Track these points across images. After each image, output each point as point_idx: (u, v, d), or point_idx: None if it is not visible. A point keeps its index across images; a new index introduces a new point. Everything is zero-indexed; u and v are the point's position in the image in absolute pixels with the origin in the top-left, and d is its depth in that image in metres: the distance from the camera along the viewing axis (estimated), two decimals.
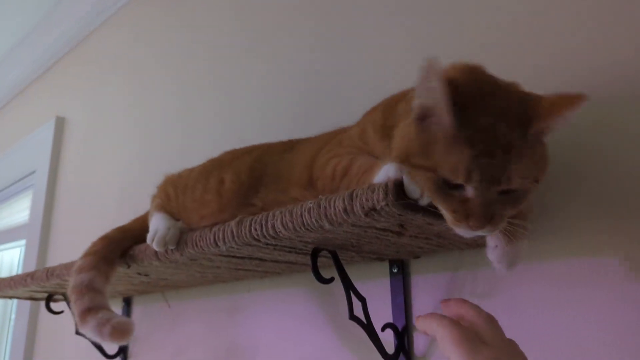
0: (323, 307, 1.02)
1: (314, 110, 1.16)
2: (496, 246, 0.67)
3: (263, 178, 0.84)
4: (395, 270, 0.92)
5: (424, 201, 0.60)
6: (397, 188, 0.60)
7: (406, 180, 0.60)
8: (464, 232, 0.59)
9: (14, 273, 2.51)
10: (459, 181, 0.56)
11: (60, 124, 2.13)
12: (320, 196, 0.68)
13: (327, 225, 0.67)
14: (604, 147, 0.74)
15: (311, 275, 1.01)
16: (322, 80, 1.17)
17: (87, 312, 0.89)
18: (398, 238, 0.75)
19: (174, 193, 0.93)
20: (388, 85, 1.03)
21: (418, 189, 0.59)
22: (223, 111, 1.41)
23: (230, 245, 0.78)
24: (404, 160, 0.60)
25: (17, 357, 1.90)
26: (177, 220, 0.91)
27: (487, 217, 0.56)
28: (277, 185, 0.82)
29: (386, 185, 0.60)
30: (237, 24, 1.43)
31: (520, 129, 0.56)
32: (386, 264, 0.93)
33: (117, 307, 1.51)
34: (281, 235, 0.72)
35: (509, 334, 0.75)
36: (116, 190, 1.72)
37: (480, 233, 0.58)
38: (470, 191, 0.56)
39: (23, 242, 2.27)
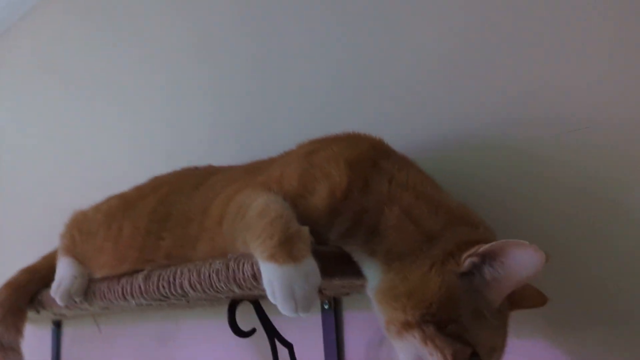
0: (250, 349, 0.97)
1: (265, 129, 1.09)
2: None
3: (167, 221, 0.74)
4: (326, 307, 0.87)
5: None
6: None
7: None
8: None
9: None
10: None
11: None
12: (229, 255, 0.62)
13: (236, 290, 0.61)
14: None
15: (244, 305, 0.96)
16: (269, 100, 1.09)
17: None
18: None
19: (79, 237, 0.85)
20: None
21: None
22: (150, 120, 1.32)
23: (139, 300, 0.72)
24: (433, 321, 0.52)
25: None
26: (85, 266, 0.83)
27: None
28: (184, 229, 0.72)
29: None
30: (169, 22, 1.32)
31: None
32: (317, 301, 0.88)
33: (46, 331, 1.42)
34: (190, 294, 0.66)
35: None
36: (44, 193, 1.61)
37: None
38: None
39: None
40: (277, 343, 0.78)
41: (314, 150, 0.66)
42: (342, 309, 0.87)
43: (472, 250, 0.52)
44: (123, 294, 0.73)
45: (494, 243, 0.51)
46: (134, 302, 0.72)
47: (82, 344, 1.34)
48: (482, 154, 0.75)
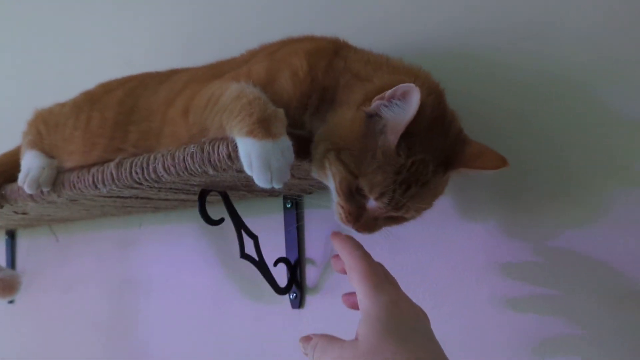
0: (218, 242, 1.01)
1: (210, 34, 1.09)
2: None
3: (133, 114, 0.76)
4: (289, 206, 0.92)
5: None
6: None
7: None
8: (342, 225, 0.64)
9: None
10: (371, 196, 0.60)
11: None
12: (203, 139, 0.65)
13: (211, 172, 0.64)
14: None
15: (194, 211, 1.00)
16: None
17: None
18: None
19: (45, 130, 0.85)
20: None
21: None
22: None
23: (110, 187, 0.74)
24: (335, 149, 0.60)
25: None
26: (52, 158, 0.84)
27: (371, 228, 0.64)
28: (148, 123, 0.74)
29: None
30: None
31: (442, 170, 0.61)
32: (280, 200, 0.93)
33: None
34: (164, 179, 0.69)
35: (394, 266, 0.79)
36: None
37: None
38: (372, 205, 0.61)
39: None
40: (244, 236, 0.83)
41: (277, 49, 0.72)
42: (304, 207, 0.92)
43: (380, 94, 0.57)
44: (94, 182, 0.74)
45: (395, 87, 0.56)
46: (105, 189, 0.74)
47: (38, 253, 1.35)
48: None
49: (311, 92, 0.64)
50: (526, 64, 0.74)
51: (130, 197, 0.84)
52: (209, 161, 0.63)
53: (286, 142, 0.57)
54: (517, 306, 0.72)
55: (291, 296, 0.90)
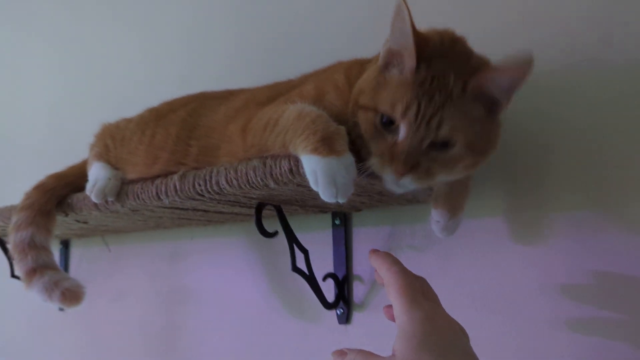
0: (266, 256, 1.04)
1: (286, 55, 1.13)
2: (438, 221, 0.73)
3: (194, 131, 0.81)
4: (337, 223, 0.94)
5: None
6: None
7: None
8: (390, 180, 0.62)
9: None
10: (396, 115, 0.59)
11: None
12: (265, 155, 0.68)
13: (272, 185, 0.67)
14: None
15: (254, 226, 1.03)
16: (294, 23, 1.13)
17: (32, 273, 0.87)
18: None
19: (112, 143, 0.90)
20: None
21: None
22: (149, 45, 1.35)
23: (173, 199, 0.78)
24: (355, 102, 0.64)
25: None
26: (117, 170, 0.88)
27: (409, 163, 0.59)
28: (208, 139, 0.79)
29: None
30: None
31: (463, 83, 0.60)
32: (329, 216, 0.95)
33: (54, 250, 1.47)
34: (225, 191, 0.72)
35: (443, 288, 0.80)
36: (44, 124, 1.63)
37: (404, 182, 0.61)
38: (402, 132, 0.59)
39: None
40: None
41: (324, 70, 0.78)
42: (352, 225, 0.94)
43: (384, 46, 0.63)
44: (157, 193, 0.78)
45: None
46: (167, 201, 0.78)
47: (90, 263, 1.40)
48: None
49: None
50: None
51: (188, 209, 0.88)
52: (271, 175, 0.66)
53: (349, 158, 0.60)
54: (577, 328, 0.72)
55: (338, 312, 0.92)
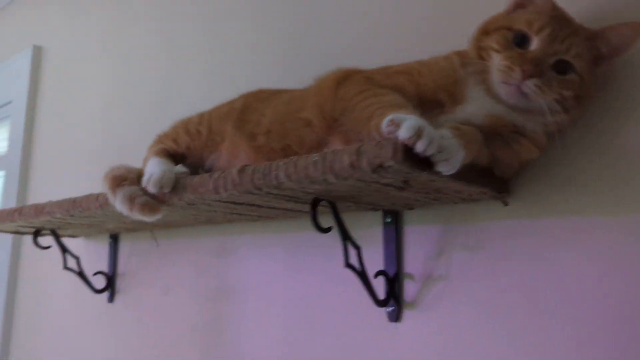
0: (315, 253, 1.05)
1: (305, 58, 1.15)
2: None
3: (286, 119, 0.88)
4: (388, 220, 0.94)
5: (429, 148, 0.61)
6: (405, 146, 0.61)
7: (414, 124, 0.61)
8: (514, 82, 0.68)
9: None
10: (531, 31, 0.69)
11: (37, 53, 2.04)
12: (325, 149, 0.69)
13: (332, 179, 0.68)
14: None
15: (304, 222, 1.04)
16: (314, 27, 1.14)
17: (120, 180, 0.88)
18: (399, 192, 0.76)
19: (185, 137, 0.94)
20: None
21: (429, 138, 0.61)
22: (212, 47, 1.37)
23: (231, 192, 0.79)
24: (483, 32, 0.74)
25: None
26: (174, 164, 0.91)
27: (538, 68, 0.67)
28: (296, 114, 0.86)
29: (395, 142, 0.61)
30: None
31: (583, 30, 0.71)
32: (379, 214, 0.96)
33: (103, 243, 1.52)
34: (284, 186, 0.73)
35: (496, 289, 0.80)
36: (99, 123, 1.69)
37: (528, 85, 0.67)
38: (535, 44, 0.69)
39: (0, 173, 2.23)
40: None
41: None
42: (403, 223, 0.94)
43: None
44: (215, 187, 0.80)
45: None
46: (225, 194, 0.80)
47: (139, 257, 1.44)
48: None
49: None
50: None
51: (243, 204, 0.89)
52: (331, 169, 0.67)
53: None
54: None
55: (388, 309, 0.92)
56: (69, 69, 1.89)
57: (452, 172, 0.64)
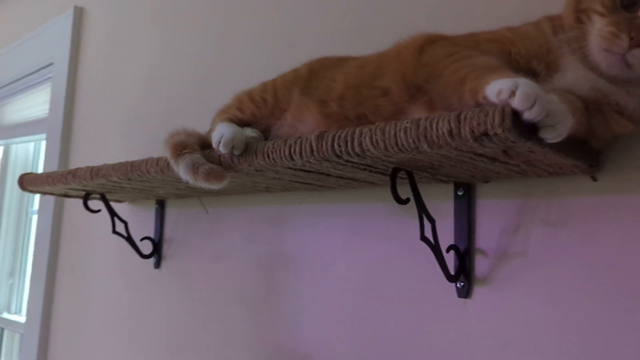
0: (376, 224, 1.02)
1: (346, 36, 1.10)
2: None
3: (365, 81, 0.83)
4: (460, 193, 0.91)
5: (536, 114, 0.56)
6: (515, 113, 0.56)
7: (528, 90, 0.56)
8: (613, 50, 0.63)
9: (29, 167, 2.49)
10: None
11: (78, 15, 2.01)
12: (417, 116, 0.65)
13: (425, 147, 0.64)
14: None
15: (365, 192, 1.01)
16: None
17: (181, 147, 0.86)
18: (489, 164, 0.72)
19: (250, 105, 0.91)
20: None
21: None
22: (264, 15, 1.33)
23: (307, 160, 0.76)
24: (576, 6, 0.67)
25: (41, 253, 1.93)
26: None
27: None
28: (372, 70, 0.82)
29: (503, 108, 0.57)
30: None
31: None
32: (451, 186, 0.92)
33: (149, 209, 1.51)
34: (368, 153, 0.69)
35: (580, 268, 0.76)
36: (143, 87, 1.66)
37: (635, 55, 0.62)
38: None
39: (40, 136, 2.23)
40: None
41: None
42: (476, 196, 0.90)
43: None
44: (290, 153, 0.77)
45: None
46: (300, 161, 0.76)
47: (186, 224, 1.42)
48: None
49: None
50: None
51: (311, 172, 0.86)
52: (425, 137, 0.63)
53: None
54: None
55: (459, 285, 0.89)
56: (112, 31, 1.86)
57: (558, 139, 0.60)
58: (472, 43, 0.74)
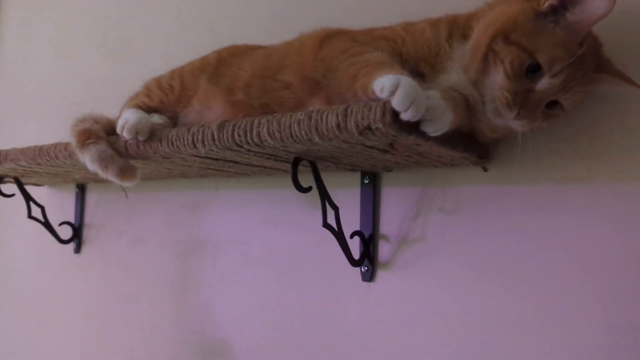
0: (290, 211, 1.04)
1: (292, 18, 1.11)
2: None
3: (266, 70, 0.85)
4: (366, 182, 0.94)
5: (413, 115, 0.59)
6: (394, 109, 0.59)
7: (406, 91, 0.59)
8: (505, 116, 0.67)
9: None
10: (548, 73, 0.64)
11: None
12: (310, 108, 0.67)
13: (316, 139, 0.66)
14: None
15: (280, 179, 1.03)
16: None
17: (86, 135, 0.85)
18: (382, 155, 0.75)
19: (158, 92, 0.91)
20: None
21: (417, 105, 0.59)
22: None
23: (209, 148, 0.77)
24: (499, 34, 0.66)
25: None
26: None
27: (535, 114, 0.67)
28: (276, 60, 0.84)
29: (384, 104, 0.60)
30: None
31: (596, 69, 0.68)
32: (358, 175, 0.95)
33: (70, 193, 1.48)
34: (266, 143, 0.71)
35: (472, 253, 0.80)
36: (57, 70, 1.60)
37: (517, 124, 0.68)
38: (544, 85, 0.65)
39: None
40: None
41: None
42: (381, 184, 0.94)
43: None
44: (193, 141, 0.77)
45: None
46: (203, 150, 0.77)
47: (107, 208, 1.40)
48: None
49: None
50: None
51: (219, 160, 0.87)
52: (316, 129, 0.65)
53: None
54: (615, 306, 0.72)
55: (363, 269, 0.93)
56: (25, 12, 1.77)
57: (438, 133, 0.63)
58: (368, 39, 0.76)
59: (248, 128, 0.72)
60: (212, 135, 0.75)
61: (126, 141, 0.86)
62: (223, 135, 0.74)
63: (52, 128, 1.56)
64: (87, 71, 1.53)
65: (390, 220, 0.92)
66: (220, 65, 0.90)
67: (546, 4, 0.66)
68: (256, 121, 0.71)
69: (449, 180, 0.87)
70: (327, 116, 0.64)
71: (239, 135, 0.72)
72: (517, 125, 0.69)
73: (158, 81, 0.94)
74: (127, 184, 0.86)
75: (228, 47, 0.95)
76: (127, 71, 1.41)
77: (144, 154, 0.85)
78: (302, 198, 0.98)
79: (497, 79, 0.67)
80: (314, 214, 1.00)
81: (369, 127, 0.61)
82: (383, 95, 0.60)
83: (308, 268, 1.00)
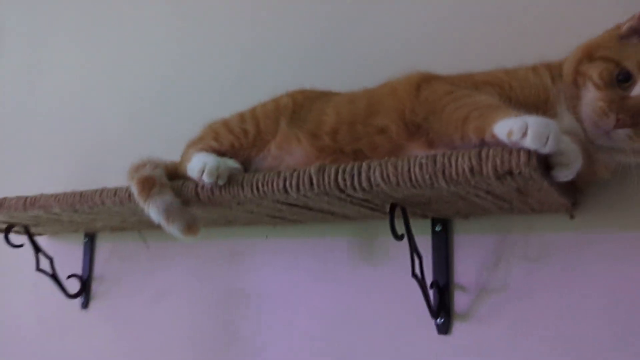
0: (341, 260, 0.99)
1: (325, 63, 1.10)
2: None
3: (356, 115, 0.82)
4: (438, 229, 0.91)
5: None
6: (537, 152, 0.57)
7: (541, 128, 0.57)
8: (604, 127, 0.65)
9: None
10: (638, 73, 0.64)
11: None
12: (434, 152, 0.64)
13: (442, 184, 0.63)
14: None
15: (329, 227, 0.98)
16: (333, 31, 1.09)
17: (151, 184, 0.80)
18: (484, 200, 0.73)
19: (227, 136, 0.86)
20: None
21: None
22: (225, 51, 1.28)
23: (304, 193, 0.72)
24: (586, 55, 0.68)
25: None
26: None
27: (634, 119, 0.64)
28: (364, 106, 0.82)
29: (528, 150, 0.58)
30: None
31: None
32: (428, 222, 0.92)
33: (77, 243, 1.36)
34: (377, 188, 0.67)
35: (558, 302, 0.77)
36: (67, 115, 1.51)
37: (619, 134, 0.65)
38: (638, 90, 0.64)
39: None
40: None
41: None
42: (453, 231, 0.91)
43: (630, 18, 0.68)
44: (285, 186, 0.72)
45: None
46: (295, 195, 0.72)
47: (121, 259, 1.30)
48: None
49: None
50: None
51: (296, 206, 0.82)
52: (443, 173, 0.62)
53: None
54: None
55: (438, 321, 0.88)
56: (32, 52, 1.68)
57: (568, 178, 0.61)
58: (470, 84, 0.75)
59: (355, 172, 0.68)
60: (310, 180, 0.71)
61: (196, 187, 0.80)
62: (324, 180, 0.70)
63: (59, 175, 1.46)
64: (94, 119, 1.45)
65: (465, 269, 0.89)
66: (298, 109, 0.86)
67: (625, 26, 0.68)
68: (364, 165, 0.67)
69: (532, 226, 0.85)
70: (457, 160, 0.61)
71: (344, 180, 0.68)
72: (621, 137, 0.65)
73: (227, 124, 0.89)
74: (189, 239, 0.82)
75: (299, 91, 0.92)
76: (139, 122, 1.35)
77: (219, 199, 0.79)
78: (355, 245, 0.95)
79: (589, 95, 0.67)
80: (376, 262, 0.96)
81: (509, 172, 0.58)
82: (513, 138, 0.58)
83: (373, 320, 0.95)
